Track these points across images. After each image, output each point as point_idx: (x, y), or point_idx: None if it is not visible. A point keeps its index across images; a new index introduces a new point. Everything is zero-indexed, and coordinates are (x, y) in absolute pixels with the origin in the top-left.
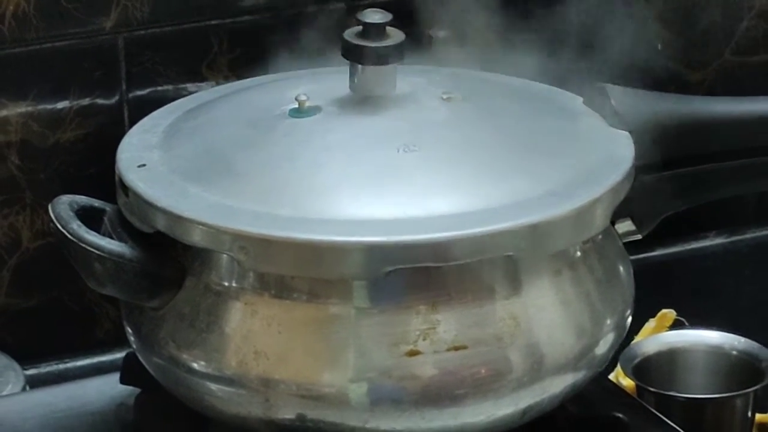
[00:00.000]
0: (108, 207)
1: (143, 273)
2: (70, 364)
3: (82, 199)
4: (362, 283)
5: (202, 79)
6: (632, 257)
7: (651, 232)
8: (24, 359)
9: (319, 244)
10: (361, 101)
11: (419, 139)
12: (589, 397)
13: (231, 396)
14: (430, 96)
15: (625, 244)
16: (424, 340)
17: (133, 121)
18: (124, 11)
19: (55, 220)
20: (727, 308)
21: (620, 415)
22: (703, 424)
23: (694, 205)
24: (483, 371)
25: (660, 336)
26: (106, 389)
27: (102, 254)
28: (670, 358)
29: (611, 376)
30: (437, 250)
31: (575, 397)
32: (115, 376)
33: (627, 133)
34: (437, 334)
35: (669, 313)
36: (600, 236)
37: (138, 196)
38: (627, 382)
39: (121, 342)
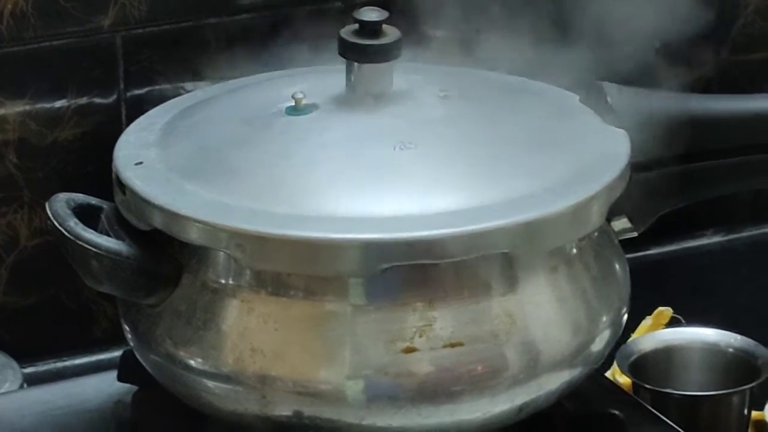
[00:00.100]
0: (105, 205)
1: (140, 270)
2: (68, 362)
3: (79, 197)
4: (358, 281)
5: (200, 78)
6: (629, 255)
7: (648, 230)
8: (22, 357)
9: (316, 242)
10: (357, 99)
11: (416, 136)
12: (586, 394)
13: (228, 393)
14: (427, 94)
15: (622, 242)
16: (420, 337)
17: (131, 120)
18: (122, 10)
19: (52, 218)
20: (723, 306)
21: (616, 412)
22: (699, 422)
23: (691, 202)
24: (479, 368)
25: (656, 333)
26: (103, 387)
27: (99, 252)
28: (666, 355)
29: (608, 374)
30: (433, 247)
31: (571, 394)
32: (113, 374)
33: (623, 130)
34: (433, 331)
35: (665, 311)
36: (596, 233)
37: (135, 194)
38: (623, 380)
39: (118, 340)
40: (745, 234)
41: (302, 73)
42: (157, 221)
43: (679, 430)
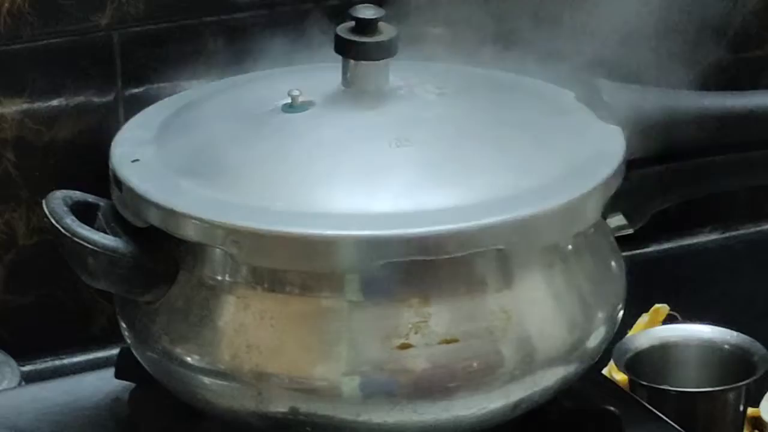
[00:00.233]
0: (102, 202)
1: (136, 267)
2: (66, 360)
3: (76, 195)
4: (354, 277)
5: (197, 76)
6: (626, 252)
7: (645, 227)
8: (20, 355)
9: (312, 238)
10: (353, 96)
11: (411, 133)
12: (582, 391)
13: (224, 389)
14: (423, 91)
15: (619, 239)
16: (415, 333)
17: (129, 118)
18: (119, 8)
19: (49, 215)
20: (720, 303)
21: (612, 409)
22: (696, 418)
23: (686, 199)
24: (475, 364)
25: (653, 330)
26: (101, 384)
27: (95, 249)
28: (662, 352)
29: (605, 371)
30: (429, 243)
31: (568, 390)
32: (111, 371)
33: (618, 127)
34: (429, 327)
35: (662, 308)
36: (591, 230)
37: (131, 191)
38: (620, 377)
39: (116, 338)
40: (741, 231)
41: (299, 70)
42: (154, 218)
43: (676, 426)
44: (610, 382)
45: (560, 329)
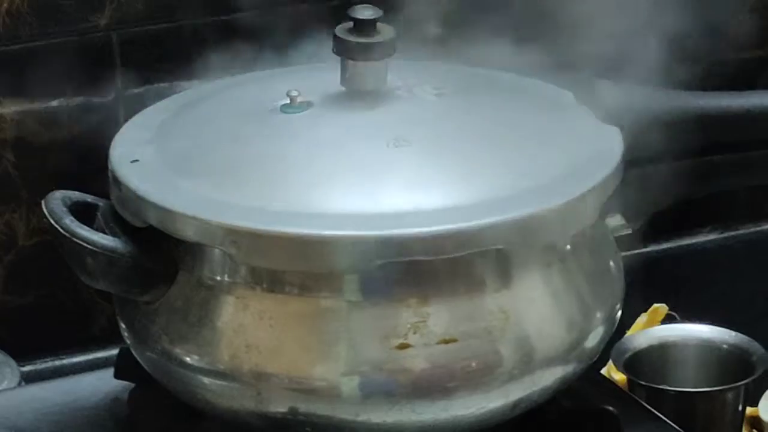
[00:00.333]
0: (101, 202)
1: (135, 267)
2: (66, 361)
3: (75, 195)
4: (353, 277)
5: (197, 76)
6: (625, 252)
7: (645, 227)
8: (20, 355)
9: (311, 238)
10: (352, 96)
11: (410, 133)
12: (580, 391)
13: (223, 390)
14: (421, 91)
15: (618, 238)
16: (414, 333)
17: (129, 118)
18: (119, 8)
19: (48, 216)
20: (719, 303)
21: (611, 409)
22: (694, 418)
23: (685, 199)
24: (473, 364)
25: (652, 330)
26: (100, 384)
27: (94, 249)
28: (661, 352)
29: (603, 371)
30: (427, 243)
31: (566, 390)
32: (110, 372)
33: (617, 127)
34: (427, 327)
35: (661, 308)
36: (590, 230)
37: (130, 191)
38: (619, 377)
39: (116, 338)
40: (741, 232)
41: (297, 70)
42: (153, 218)
43: (674, 426)
44: (609, 382)
45: (559, 329)
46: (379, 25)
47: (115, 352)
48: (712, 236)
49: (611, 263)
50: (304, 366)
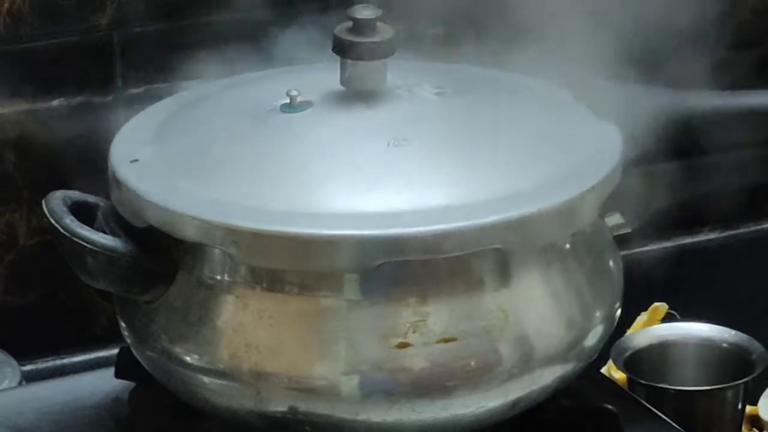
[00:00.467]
0: (101, 202)
1: (135, 267)
2: (67, 360)
3: (76, 194)
4: (353, 276)
5: (197, 76)
6: (625, 251)
7: (646, 226)
8: (21, 355)
9: (310, 238)
10: (352, 96)
11: (409, 133)
12: (580, 389)
13: (223, 389)
14: (421, 91)
15: (618, 237)
16: (414, 332)
17: (129, 118)
18: (119, 8)
19: (48, 215)
20: (719, 302)
21: (611, 407)
22: (694, 416)
23: (685, 198)
24: (473, 363)
25: (651, 329)
26: (101, 384)
27: (94, 248)
28: (661, 350)
29: (603, 370)
30: (427, 243)
31: (566, 389)
32: (111, 371)
33: (616, 127)
34: (427, 326)
35: (661, 307)
36: (589, 229)
37: (130, 191)
38: (619, 376)
39: (116, 337)
40: (741, 230)
41: (297, 70)
42: (153, 218)
43: (674, 425)
44: (609, 381)
45: (558, 328)
46: (378, 24)
47: (115, 351)
48: (712, 235)
49: (610, 262)
50: (303, 365)
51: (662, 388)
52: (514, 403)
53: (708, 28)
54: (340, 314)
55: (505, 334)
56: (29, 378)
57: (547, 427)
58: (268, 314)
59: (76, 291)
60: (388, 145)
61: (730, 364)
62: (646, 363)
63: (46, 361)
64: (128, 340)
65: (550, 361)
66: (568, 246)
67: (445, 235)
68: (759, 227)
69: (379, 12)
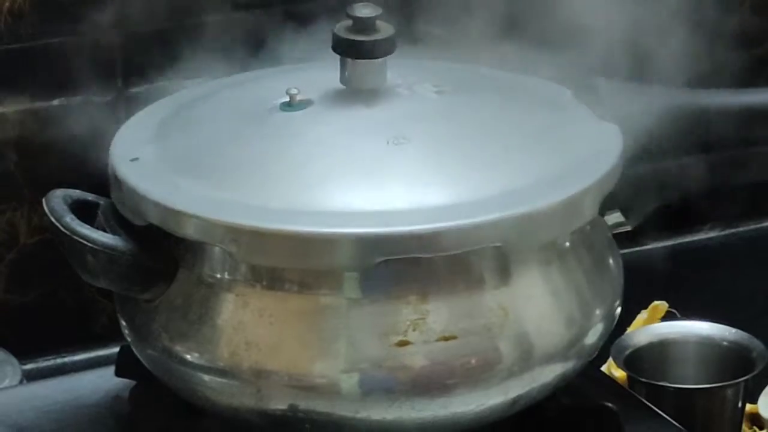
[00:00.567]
0: (102, 201)
1: (136, 265)
2: (68, 359)
3: (76, 193)
4: (353, 274)
5: (197, 76)
6: (626, 249)
7: (646, 224)
8: (21, 354)
9: (311, 236)
10: (351, 95)
11: (409, 131)
12: (580, 387)
13: (223, 387)
14: (421, 89)
15: (618, 235)
16: (414, 330)
17: (129, 118)
18: (119, 8)
19: (49, 214)
20: (719, 300)
21: (611, 405)
22: (694, 415)
23: (684, 197)
24: (473, 361)
25: (652, 327)
26: (101, 382)
27: (95, 247)
28: (661, 349)
29: (604, 368)
30: (427, 241)
31: (566, 387)
32: (111, 370)
33: (615, 125)
34: (427, 324)
35: (661, 305)
36: (589, 227)
37: (131, 189)
38: (619, 374)
39: (116, 336)
40: (741, 229)
41: (297, 69)
42: (153, 216)
43: (674, 423)
44: (609, 379)
45: (558, 326)
46: (378, 23)
47: (116, 350)
48: (712, 233)
49: (610, 260)
50: (303, 363)
51: (662, 386)
52: (514, 401)
53: (709, 29)
54: (340, 312)
55: (505, 332)
56: (30, 376)
57: (547, 425)
58: (268, 312)
59: (76, 289)
60: (388, 143)
61: (730, 362)
62: (647, 361)
63: (47, 360)
64: (129, 339)
65: (550, 359)
66: (567, 244)
67: (445, 233)
68: (759, 226)
69: (379, 10)
